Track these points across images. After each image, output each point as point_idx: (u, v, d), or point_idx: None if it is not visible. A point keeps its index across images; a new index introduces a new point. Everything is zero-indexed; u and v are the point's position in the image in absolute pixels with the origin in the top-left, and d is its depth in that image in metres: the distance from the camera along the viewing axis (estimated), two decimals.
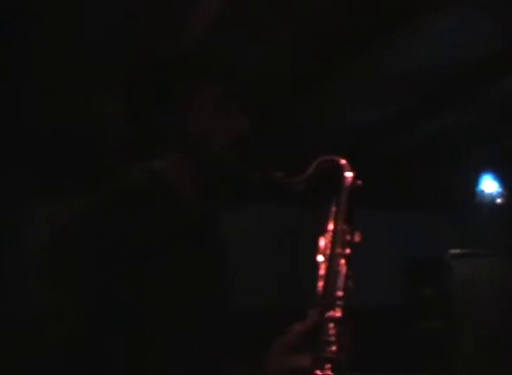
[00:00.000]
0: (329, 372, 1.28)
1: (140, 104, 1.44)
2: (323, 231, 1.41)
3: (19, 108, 3.41)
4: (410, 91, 3.68)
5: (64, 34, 2.85)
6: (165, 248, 1.32)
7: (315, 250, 1.40)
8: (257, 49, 3.08)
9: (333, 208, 1.43)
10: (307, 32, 3.00)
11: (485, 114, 4.00)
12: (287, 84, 3.52)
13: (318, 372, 1.28)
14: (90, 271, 1.25)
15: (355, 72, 3.42)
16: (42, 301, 1.27)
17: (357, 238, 1.39)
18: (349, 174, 1.44)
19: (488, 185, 5.03)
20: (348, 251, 1.38)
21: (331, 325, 1.31)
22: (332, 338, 1.30)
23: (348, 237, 1.39)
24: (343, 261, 1.37)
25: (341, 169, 1.44)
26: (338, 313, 1.32)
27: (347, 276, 1.35)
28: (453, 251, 4.38)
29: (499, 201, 5.04)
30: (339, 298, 1.33)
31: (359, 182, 1.44)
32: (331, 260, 1.37)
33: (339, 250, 1.37)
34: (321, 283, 1.36)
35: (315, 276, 1.37)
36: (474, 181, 5.01)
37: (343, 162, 1.45)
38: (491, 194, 5.04)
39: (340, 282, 1.34)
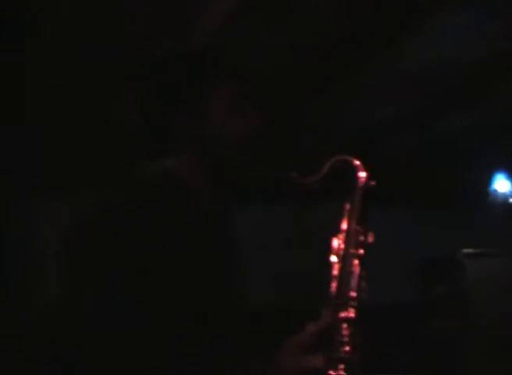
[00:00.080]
0: (342, 372, 1.28)
1: (153, 103, 1.45)
2: (337, 231, 1.42)
3: (23, 110, 3.41)
4: (427, 88, 3.66)
5: (73, 32, 2.85)
6: (178, 246, 1.32)
7: (329, 250, 1.41)
8: (268, 49, 3.08)
9: (347, 209, 1.43)
10: (318, 32, 3.00)
11: (498, 114, 3.98)
12: (297, 84, 3.51)
13: (331, 372, 1.28)
14: (104, 270, 1.26)
15: (367, 72, 3.41)
16: (56, 296, 1.28)
17: (370, 239, 1.39)
18: (362, 174, 1.44)
19: (502, 185, 5.01)
20: (361, 251, 1.38)
21: (344, 325, 1.31)
22: (346, 338, 1.30)
23: (362, 238, 1.39)
24: (356, 261, 1.37)
25: (355, 170, 1.45)
26: (351, 314, 1.32)
27: (361, 277, 1.36)
28: (466, 250, 4.36)
29: None
30: (353, 299, 1.33)
31: (372, 182, 1.44)
32: (344, 260, 1.38)
33: (352, 250, 1.38)
34: (334, 284, 1.36)
35: (329, 277, 1.38)
36: (487, 181, 4.99)
37: (357, 162, 1.45)
38: (504, 194, 5.02)
39: (354, 282, 1.35)
